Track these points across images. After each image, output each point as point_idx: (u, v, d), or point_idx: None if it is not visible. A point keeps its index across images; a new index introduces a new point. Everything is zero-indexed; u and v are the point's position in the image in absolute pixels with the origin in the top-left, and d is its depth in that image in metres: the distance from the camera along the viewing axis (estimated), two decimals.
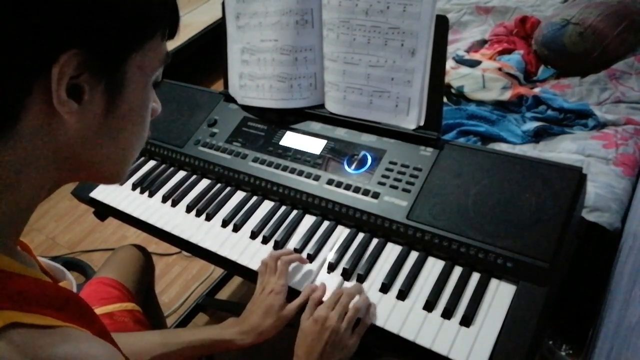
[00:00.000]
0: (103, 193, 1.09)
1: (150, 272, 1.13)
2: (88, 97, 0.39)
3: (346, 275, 0.80)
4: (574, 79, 1.45)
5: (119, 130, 0.44)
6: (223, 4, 1.07)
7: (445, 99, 1.45)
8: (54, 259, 1.90)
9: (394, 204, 0.83)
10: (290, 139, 1.01)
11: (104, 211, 1.12)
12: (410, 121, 0.90)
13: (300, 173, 0.94)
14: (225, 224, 0.94)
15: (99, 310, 0.91)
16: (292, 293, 0.81)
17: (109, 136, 0.43)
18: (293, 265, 0.82)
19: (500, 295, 0.71)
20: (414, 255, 0.80)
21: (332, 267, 0.81)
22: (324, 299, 0.76)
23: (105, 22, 0.37)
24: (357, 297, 0.75)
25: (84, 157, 0.43)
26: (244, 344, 0.77)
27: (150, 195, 1.05)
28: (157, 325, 1.03)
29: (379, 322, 0.72)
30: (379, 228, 0.83)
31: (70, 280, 0.53)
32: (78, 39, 0.36)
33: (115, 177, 0.48)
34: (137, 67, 0.42)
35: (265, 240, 0.89)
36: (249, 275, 0.87)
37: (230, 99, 1.13)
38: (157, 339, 0.78)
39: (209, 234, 0.94)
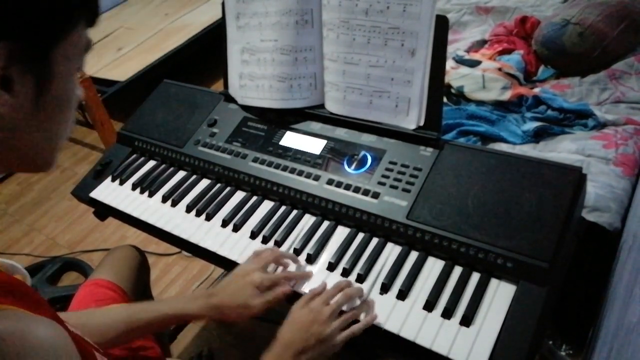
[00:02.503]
0: (103, 193, 1.09)
1: (145, 272, 1.13)
2: (18, 87, 0.41)
3: (346, 275, 0.80)
4: (574, 79, 1.45)
5: (48, 118, 0.45)
6: (223, 4, 1.07)
7: (445, 99, 1.45)
8: (54, 258, 1.90)
9: (394, 204, 0.83)
10: (290, 139, 1.01)
11: (104, 211, 1.12)
12: (410, 121, 0.90)
13: (300, 173, 0.94)
14: (225, 224, 0.94)
15: None
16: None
17: (40, 124, 0.45)
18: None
19: (500, 295, 0.71)
20: (414, 255, 0.80)
21: (332, 267, 0.81)
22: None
23: (30, 15, 0.39)
24: (357, 300, 0.75)
25: (16, 145, 0.44)
26: (206, 317, 0.80)
27: (150, 195, 1.05)
28: None
29: (379, 322, 0.72)
30: (379, 228, 0.83)
31: (24, 275, 0.56)
32: (5, 32, 0.38)
33: (46, 165, 0.49)
34: (63, 56, 0.44)
35: (265, 240, 0.89)
36: None
37: (230, 99, 1.13)
38: (122, 315, 0.79)
39: (209, 234, 0.94)
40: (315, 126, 1.01)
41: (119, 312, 0.80)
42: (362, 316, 0.73)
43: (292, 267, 0.84)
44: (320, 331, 0.70)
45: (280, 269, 0.83)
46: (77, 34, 0.45)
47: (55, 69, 0.43)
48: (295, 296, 0.78)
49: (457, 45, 1.71)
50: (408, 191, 0.84)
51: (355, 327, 0.72)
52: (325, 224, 0.89)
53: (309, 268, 0.83)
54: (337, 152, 0.95)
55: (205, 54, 2.74)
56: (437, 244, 0.78)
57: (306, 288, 0.80)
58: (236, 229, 0.92)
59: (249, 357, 1.44)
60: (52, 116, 0.46)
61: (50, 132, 0.47)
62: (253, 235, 0.90)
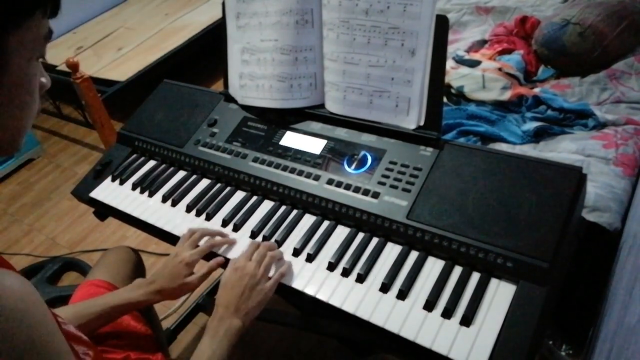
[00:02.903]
0: (103, 193, 1.09)
1: (141, 271, 1.13)
2: None
3: (346, 275, 0.80)
4: (574, 79, 1.45)
5: (6, 103, 0.47)
6: (223, 4, 1.07)
7: (445, 99, 1.45)
8: (54, 259, 1.90)
9: (394, 204, 0.83)
10: (290, 139, 1.01)
11: (104, 211, 1.12)
12: (410, 121, 0.90)
13: (300, 173, 0.94)
14: (225, 223, 0.94)
15: None
16: (286, 290, 0.81)
17: None
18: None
19: (500, 295, 0.71)
20: (414, 255, 0.80)
21: (332, 267, 0.81)
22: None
23: None
24: (274, 252, 0.83)
25: None
26: (151, 303, 0.86)
27: (150, 195, 1.05)
28: (152, 324, 1.03)
29: (379, 322, 0.72)
30: (379, 228, 0.83)
31: None
32: None
33: (9, 148, 0.51)
34: (19, 44, 0.45)
35: (265, 240, 0.89)
36: None
37: (230, 99, 1.13)
38: (70, 313, 0.82)
39: None
40: (315, 126, 1.01)
41: (68, 310, 0.83)
42: (278, 257, 0.83)
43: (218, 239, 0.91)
44: (251, 282, 0.77)
45: (205, 239, 0.91)
46: (35, 23, 0.46)
47: (9, 55, 0.45)
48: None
49: (457, 45, 1.71)
50: (408, 191, 0.84)
51: (282, 269, 0.81)
52: (325, 223, 0.89)
53: (308, 267, 0.83)
54: (337, 152, 0.95)
55: (205, 54, 2.74)
56: (437, 243, 0.78)
57: (235, 254, 0.87)
58: (236, 228, 0.92)
59: (249, 357, 1.44)
60: (9, 101, 0.47)
61: (10, 116, 0.48)
62: (253, 235, 0.90)
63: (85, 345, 0.62)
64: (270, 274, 0.81)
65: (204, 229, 0.90)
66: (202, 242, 0.89)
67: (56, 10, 0.48)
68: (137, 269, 1.11)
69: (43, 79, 0.52)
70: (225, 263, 0.87)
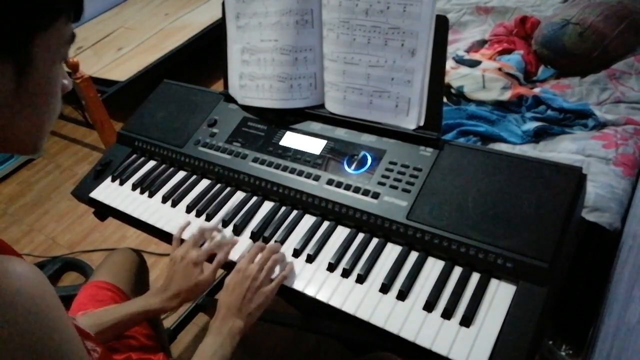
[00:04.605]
0: (103, 193, 1.09)
1: (144, 273, 1.13)
2: None
3: (346, 275, 0.80)
4: (574, 79, 1.45)
5: (30, 104, 0.47)
6: (223, 4, 1.07)
7: (445, 99, 1.45)
8: (54, 259, 1.90)
9: (394, 204, 0.83)
10: (290, 139, 1.01)
11: (104, 211, 1.12)
12: (410, 121, 0.90)
13: (300, 173, 0.94)
14: (225, 224, 0.94)
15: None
16: (286, 290, 0.81)
17: (22, 109, 0.47)
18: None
19: (500, 295, 0.71)
20: (414, 255, 0.80)
21: (332, 268, 0.81)
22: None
23: (8, 8, 0.41)
24: (277, 255, 0.83)
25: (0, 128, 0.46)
26: (168, 309, 0.85)
27: (150, 195, 1.05)
28: (154, 324, 1.03)
29: (379, 323, 0.72)
30: (379, 228, 0.83)
31: None
32: None
33: (31, 148, 0.52)
34: (44, 47, 0.46)
35: (265, 241, 0.89)
36: None
37: (230, 99, 1.13)
38: (91, 322, 0.82)
39: None
40: (315, 126, 1.01)
41: (88, 319, 0.83)
42: (280, 261, 0.83)
43: (219, 236, 0.93)
44: (253, 285, 0.78)
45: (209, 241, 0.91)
46: (60, 26, 0.46)
47: (35, 58, 0.45)
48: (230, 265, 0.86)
49: (457, 45, 1.71)
50: (408, 191, 0.84)
51: (284, 272, 0.81)
52: (325, 224, 0.89)
53: (308, 267, 0.83)
54: (337, 152, 0.95)
55: (205, 54, 2.74)
56: (437, 244, 0.78)
57: (236, 255, 0.88)
58: (236, 229, 0.92)
59: (249, 357, 1.44)
60: (34, 102, 0.48)
61: (34, 117, 0.49)
62: (253, 236, 0.90)
63: (94, 342, 0.62)
64: (273, 275, 0.82)
65: (201, 227, 0.90)
66: (190, 234, 0.90)
67: (79, 14, 0.49)
68: (141, 271, 1.11)
69: (65, 81, 0.53)
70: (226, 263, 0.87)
